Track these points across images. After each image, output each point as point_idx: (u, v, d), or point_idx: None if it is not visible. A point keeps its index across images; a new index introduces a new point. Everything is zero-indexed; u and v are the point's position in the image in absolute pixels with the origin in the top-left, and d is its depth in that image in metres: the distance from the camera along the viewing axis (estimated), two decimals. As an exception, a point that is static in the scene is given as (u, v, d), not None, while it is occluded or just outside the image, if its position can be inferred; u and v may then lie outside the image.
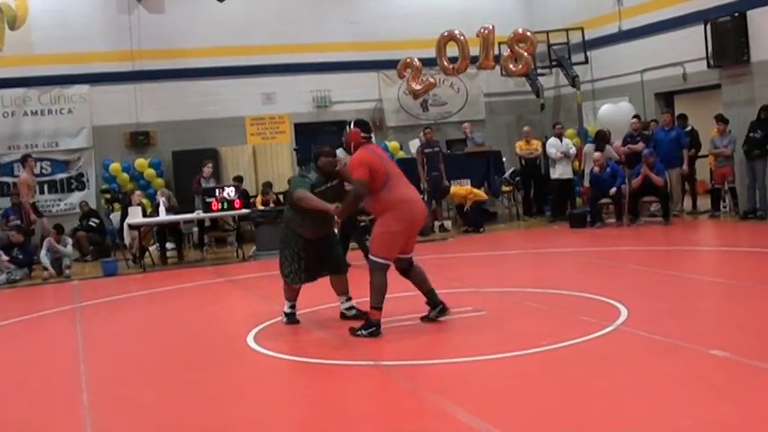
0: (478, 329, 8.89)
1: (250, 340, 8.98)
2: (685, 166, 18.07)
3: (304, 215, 9.24)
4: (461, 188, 19.10)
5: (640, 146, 18.17)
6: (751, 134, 16.86)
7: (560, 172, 19.30)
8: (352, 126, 9.06)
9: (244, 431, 6.25)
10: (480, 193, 19.14)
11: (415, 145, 20.49)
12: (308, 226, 9.30)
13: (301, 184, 9.33)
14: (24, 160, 18.65)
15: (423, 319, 9.14)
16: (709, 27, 18.07)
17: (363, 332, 8.65)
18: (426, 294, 9.18)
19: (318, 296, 10.31)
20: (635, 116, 19.19)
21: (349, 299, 9.73)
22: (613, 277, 11.82)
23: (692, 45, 18.59)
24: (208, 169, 18.68)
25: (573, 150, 19.35)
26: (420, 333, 8.72)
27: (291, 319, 9.73)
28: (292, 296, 9.74)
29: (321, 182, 9.35)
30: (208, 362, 8.39)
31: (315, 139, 22.88)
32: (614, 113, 19.95)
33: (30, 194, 18.29)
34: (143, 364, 8.64)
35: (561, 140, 19.48)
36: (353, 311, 9.61)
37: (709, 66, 18.34)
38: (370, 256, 8.81)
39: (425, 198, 19.28)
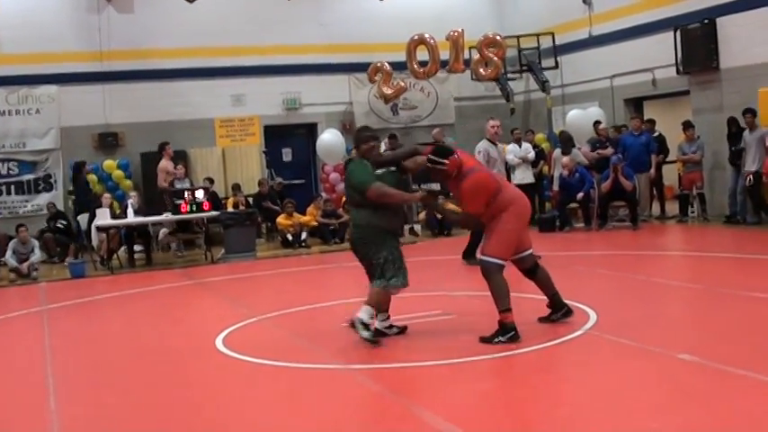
0: (446, 333, 8.88)
1: (219, 343, 8.93)
2: (653, 171, 18.18)
3: (377, 207, 8.41)
4: None
5: (609, 151, 18.27)
6: (733, 148, 16.88)
7: (520, 177, 19.26)
8: (443, 161, 8.36)
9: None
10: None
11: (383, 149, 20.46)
12: (389, 216, 8.52)
13: (370, 177, 8.42)
14: (163, 148, 18.85)
15: (542, 320, 8.89)
16: (678, 34, 18.19)
17: (502, 338, 8.19)
18: (550, 297, 8.94)
19: (286, 300, 10.29)
20: (596, 122, 19.30)
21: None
22: (582, 281, 11.84)
23: (661, 51, 18.69)
24: (180, 170, 18.67)
25: (531, 155, 19.14)
26: (391, 337, 8.68)
27: (388, 331, 8.79)
28: (387, 305, 8.73)
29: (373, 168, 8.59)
30: (176, 365, 8.34)
31: (284, 141, 23.01)
32: (582, 118, 20.01)
33: (167, 181, 18.42)
34: (111, 367, 8.59)
35: (520, 146, 19.45)
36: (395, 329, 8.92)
37: (678, 72, 18.45)
38: (485, 258, 8.44)
39: None
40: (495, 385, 6.90)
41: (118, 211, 17.83)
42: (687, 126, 17.84)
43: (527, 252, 8.80)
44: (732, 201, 16.96)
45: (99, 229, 17.02)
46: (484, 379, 7.08)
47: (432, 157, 8.46)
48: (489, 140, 13.58)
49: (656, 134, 19.01)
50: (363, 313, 8.30)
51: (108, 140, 21.25)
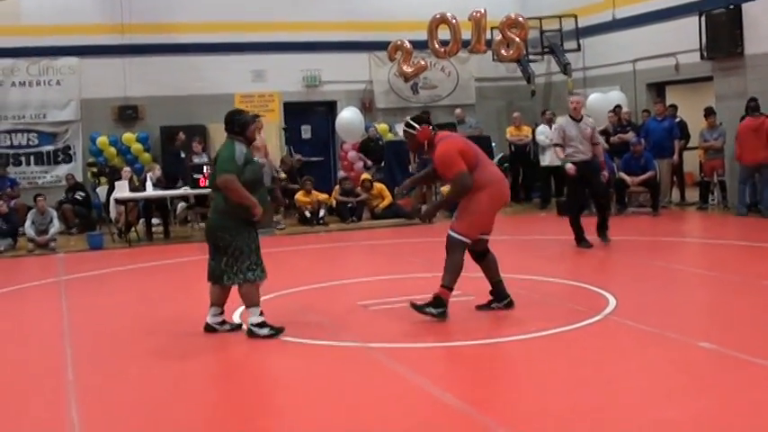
0: (466, 314, 8.85)
1: (236, 318, 8.92)
2: (675, 157, 18.07)
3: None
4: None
5: (630, 135, 18.15)
6: None
7: (549, 159, 19.24)
8: (416, 126, 8.58)
9: (227, 409, 6.21)
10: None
11: (401, 128, 20.38)
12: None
13: (230, 165, 8.10)
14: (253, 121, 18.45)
15: (480, 307, 8.88)
16: (703, 18, 18.02)
17: (433, 310, 8.37)
18: (494, 285, 8.92)
19: (304, 277, 10.28)
20: (616, 106, 19.18)
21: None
22: (602, 266, 11.82)
23: (685, 36, 18.54)
24: (197, 146, 18.70)
25: (563, 138, 19.25)
26: (408, 316, 8.66)
27: (219, 327, 8.50)
28: (224, 300, 8.51)
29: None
30: (193, 338, 8.33)
31: (304, 118, 22.97)
32: (603, 102, 19.89)
33: (260, 155, 18.02)
34: (128, 339, 8.60)
35: (551, 127, 19.41)
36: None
37: (702, 57, 18.29)
38: (452, 233, 8.50)
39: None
40: (512, 367, 6.88)
41: (137, 184, 17.83)
42: (709, 113, 17.70)
43: (486, 236, 8.80)
44: (752, 189, 16.85)
45: (117, 201, 17.04)
46: (502, 361, 7.07)
47: (409, 120, 8.66)
48: (572, 117, 13.25)
49: (677, 120, 18.88)
50: (253, 317, 8.19)
51: (127, 113, 21.25)
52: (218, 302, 8.43)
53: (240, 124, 8.31)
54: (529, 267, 11.32)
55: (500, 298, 8.89)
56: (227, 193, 8.03)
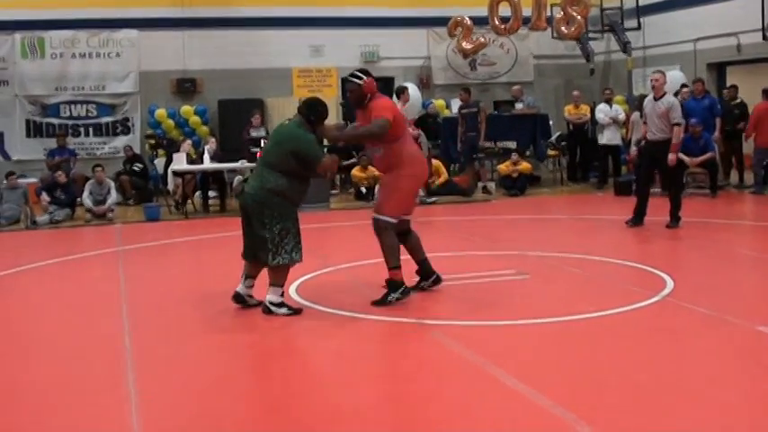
0: (522, 293, 8.84)
1: (292, 292, 8.96)
2: (717, 134, 17.70)
3: (299, 179, 8.24)
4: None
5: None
6: None
7: (608, 138, 19.10)
8: (363, 76, 8.42)
9: (285, 383, 6.24)
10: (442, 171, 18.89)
11: (457, 104, 20.35)
12: (303, 192, 8.38)
13: (320, 152, 8.32)
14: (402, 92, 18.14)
15: (412, 288, 8.70)
16: (767, -2, 17.77)
17: (395, 295, 8.35)
18: (419, 263, 8.88)
19: (359, 252, 10.28)
20: (683, 85, 18.93)
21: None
22: (659, 247, 11.70)
23: (747, 15, 18.29)
24: (256, 119, 18.80)
25: (622, 116, 19.12)
26: (464, 293, 8.66)
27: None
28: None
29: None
30: (249, 311, 8.37)
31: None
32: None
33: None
34: (184, 309, 8.67)
35: (611, 106, 19.26)
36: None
37: (764, 38, 18.04)
38: (380, 216, 8.43)
39: (459, 158, 19.23)
40: (568, 348, 6.82)
41: (194, 157, 17.94)
42: (766, 94, 17.42)
43: (408, 216, 8.71)
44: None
45: (175, 173, 17.16)
46: (558, 341, 7.02)
47: (355, 72, 8.55)
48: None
49: (737, 101, 18.58)
50: (274, 296, 8.17)
51: (185, 86, 21.43)
52: (254, 274, 8.44)
53: (318, 116, 8.28)
54: (586, 247, 11.24)
55: (427, 276, 8.89)
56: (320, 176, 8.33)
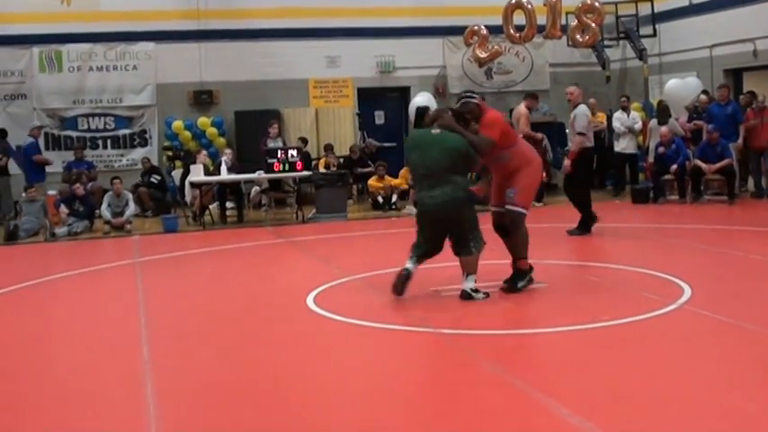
0: (539, 301, 8.84)
1: (309, 301, 8.98)
2: (740, 141, 17.68)
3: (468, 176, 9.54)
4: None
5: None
6: None
7: (623, 146, 19.11)
8: (475, 95, 9.33)
9: (300, 392, 6.25)
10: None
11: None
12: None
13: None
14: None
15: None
16: (783, 3, 17.72)
17: (522, 283, 9.04)
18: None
19: (377, 261, 10.28)
20: (703, 91, 18.89)
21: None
22: (676, 255, 11.66)
23: (763, 21, 18.24)
24: (274, 129, 18.88)
25: (639, 125, 19.13)
26: (483, 302, 8.65)
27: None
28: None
29: None
30: (267, 321, 8.41)
31: (377, 103, 22.99)
32: (681, 88, 19.63)
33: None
34: (203, 321, 8.71)
35: (627, 114, 19.25)
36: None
37: (780, 43, 17.99)
38: (517, 209, 9.04)
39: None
40: (587, 356, 6.81)
41: (211, 168, 18.01)
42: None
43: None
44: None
45: (192, 184, 17.23)
46: (576, 349, 7.00)
47: (465, 93, 9.45)
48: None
49: (753, 107, 18.50)
50: (470, 283, 8.73)
51: (202, 98, 21.51)
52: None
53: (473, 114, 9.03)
54: (602, 255, 11.24)
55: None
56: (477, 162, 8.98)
